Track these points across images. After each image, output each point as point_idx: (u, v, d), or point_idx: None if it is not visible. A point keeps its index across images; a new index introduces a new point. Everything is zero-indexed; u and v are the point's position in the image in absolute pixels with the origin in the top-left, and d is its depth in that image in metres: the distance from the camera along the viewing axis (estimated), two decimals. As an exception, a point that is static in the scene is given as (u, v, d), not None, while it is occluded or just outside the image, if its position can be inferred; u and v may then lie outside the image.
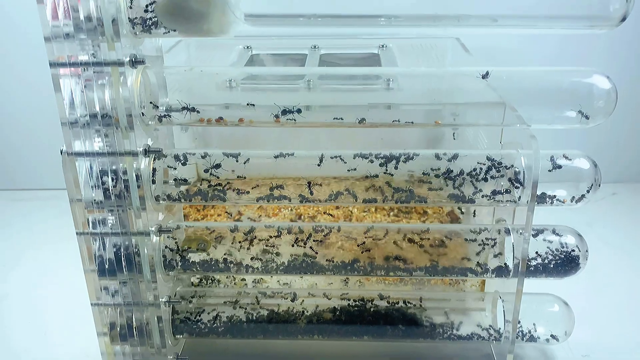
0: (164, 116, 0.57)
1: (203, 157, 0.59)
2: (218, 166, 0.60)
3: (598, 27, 0.51)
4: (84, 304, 0.62)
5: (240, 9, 0.51)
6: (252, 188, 0.61)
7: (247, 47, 0.85)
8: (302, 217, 0.81)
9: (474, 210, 0.76)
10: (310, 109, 0.60)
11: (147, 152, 0.56)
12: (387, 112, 0.61)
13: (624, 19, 0.51)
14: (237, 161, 0.60)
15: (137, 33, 0.53)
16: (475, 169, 0.59)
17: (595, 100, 0.55)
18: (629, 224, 0.96)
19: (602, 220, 0.95)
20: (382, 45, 0.84)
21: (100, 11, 0.50)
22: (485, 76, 0.55)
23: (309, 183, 0.59)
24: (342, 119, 0.56)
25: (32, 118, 1.05)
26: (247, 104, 0.56)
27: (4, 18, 0.99)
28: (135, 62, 0.52)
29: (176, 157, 0.60)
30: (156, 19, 0.52)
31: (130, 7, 0.53)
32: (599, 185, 0.58)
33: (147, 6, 0.52)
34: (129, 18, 0.53)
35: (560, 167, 0.57)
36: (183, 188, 0.60)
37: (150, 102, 0.56)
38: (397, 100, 0.63)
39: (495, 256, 0.61)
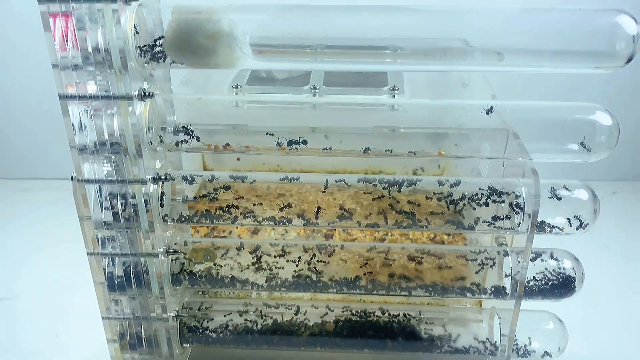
0: (178, 143, 0.58)
1: (210, 181, 0.60)
2: (228, 188, 0.61)
3: (603, 68, 0.51)
4: (96, 305, 0.63)
5: (247, 44, 0.51)
6: (257, 202, 0.62)
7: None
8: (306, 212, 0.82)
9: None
10: (315, 131, 0.61)
11: (155, 179, 0.57)
12: (391, 135, 0.62)
13: (630, 59, 0.51)
14: (243, 182, 0.61)
15: (145, 65, 0.53)
16: (476, 194, 0.60)
17: (597, 135, 0.55)
18: (629, 226, 0.97)
19: (602, 222, 0.95)
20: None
21: (108, 43, 0.50)
22: (489, 111, 0.55)
23: (318, 208, 0.60)
24: (330, 148, 0.57)
25: (44, 102, 1.05)
26: (267, 134, 0.57)
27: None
28: (144, 95, 0.53)
29: (184, 178, 0.61)
30: (164, 52, 0.52)
31: (137, 33, 0.53)
32: (598, 215, 0.59)
33: (155, 41, 0.52)
34: (136, 46, 0.53)
35: (560, 198, 0.58)
36: (190, 210, 0.62)
37: (159, 136, 0.57)
38: (401, 122, 0.63)
39: (506, 276, 0.63)
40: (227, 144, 0.59)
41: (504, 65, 0.51)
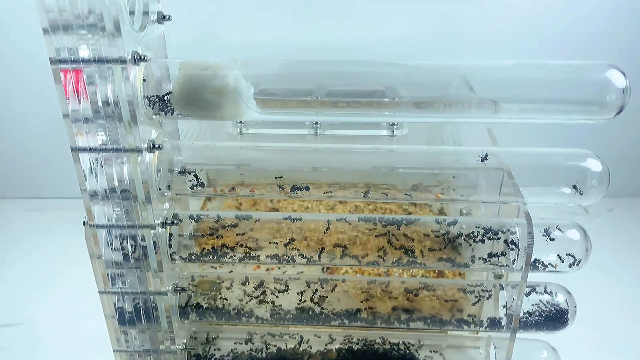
0: (192, 186, 0.61)
1: (216, 221, 0.63)
2: (235, 226, 0.63)
3: (594, 120, 0.53)
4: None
5: (252, 98, 0.53)
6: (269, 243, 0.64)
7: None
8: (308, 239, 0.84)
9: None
10: (316, 170, 0.63)
11: (164, 224, 0.59)
12: (390, 175, 0.64)
13: (620, 111, 0.53)
14: (247, 221, 0.64)
15: (153, 116, 0.55)
16: (473, 232, 0.62)
17: (588, 180, 0.57)
18: (626, 247, 0.99)
19: (598, 241, 0.96)
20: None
21: (117, 98, 0.52)
22: (484, 159, 0.57)
23: (322, 249, 0.62)
24: (331, 191, 0.59)
25: (48, 120, 1.05)
26: (275, 177, 0.59)
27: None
28: (153, 147, 0.55)
29: (191, 217, 0.63)
30: (172, 106, 0.54)
31: (144, 80, 0.55)
32: (590, 253, 0.61)
33: (163, 96, 0.54)
34: (145, 96, 0.55)
35: (553, 239, 0.60)
36: (197, 247, 0.64)
37: (168, 184, 0.59)
38: (400, 158, 0.65)
39: (503, 307, 0.65)
40: (233, 188, 0.61)
41: (499, 117, 0.53)
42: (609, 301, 0.88)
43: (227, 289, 0.68)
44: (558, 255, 0.61)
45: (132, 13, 0.54)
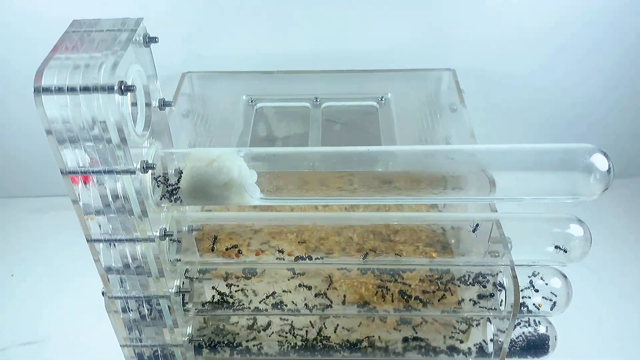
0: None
1: (225, 279, 0.67)
2: (248, 278, 0.67)
3: (581, 199, 0.56)
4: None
5: (256, 187, 0.55)
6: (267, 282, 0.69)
7: (252, 100, 0.87)
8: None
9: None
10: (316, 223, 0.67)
11: (178, 293, 0.63)
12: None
13: (605, 189, 0.56)
14: (254, 276, 0.68)
15: (161, 205, 0.58)
16: (464, 275, 0.67)
17: (572, 241, 0.62)
18: (608, 242, 1.00)
19: None
20: (382, 98, 0.87)
21: (128, 194, 0.54)
22: (475, 229, 0.61)
23: (324, 293, 0.67)
24: (324, 257, 0.63)
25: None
26: (299, 242, 0.63)
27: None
28: (165, 235, 0.58)
29: (200, 272, 0.67)
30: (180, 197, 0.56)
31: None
32: (571, 297, 0.67)
33: (172, 191, 0.56)
34: (153, 177, 0.57)
35: (537, 291, 0.65)
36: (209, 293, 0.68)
37: (179, 260, 0.63)
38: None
39: (491, 340, 0.71)
40: (240, 251, 0.64)
41: (493, 197, 0.57)
42: (594, 304, 0.90)
43: (234, 324, 0.73)
44: (543, 297, 0.67)
45: (134, 104, 0.55)
